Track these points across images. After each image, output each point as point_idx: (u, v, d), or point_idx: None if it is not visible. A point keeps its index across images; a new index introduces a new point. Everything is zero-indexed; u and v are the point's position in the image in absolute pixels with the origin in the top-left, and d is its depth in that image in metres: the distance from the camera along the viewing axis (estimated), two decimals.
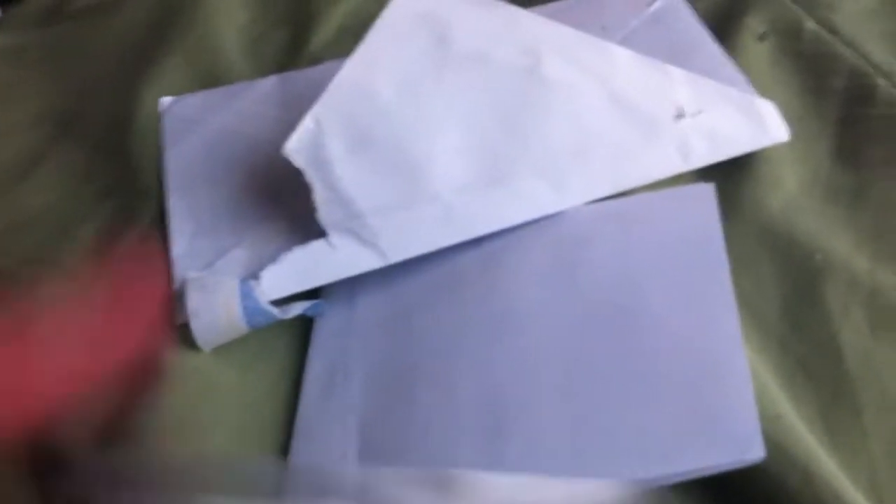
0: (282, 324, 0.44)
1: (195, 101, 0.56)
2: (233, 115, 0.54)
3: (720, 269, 0.41)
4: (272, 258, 0.45)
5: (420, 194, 0.45)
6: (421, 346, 0.42)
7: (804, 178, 0.48)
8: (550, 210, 0.45)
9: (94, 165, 0.53)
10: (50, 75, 0.58)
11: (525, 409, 0.38)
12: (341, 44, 0.56)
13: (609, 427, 0.36)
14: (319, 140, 0.45)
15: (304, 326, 0.45)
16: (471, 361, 0.40)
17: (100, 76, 0.58)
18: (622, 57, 0.49)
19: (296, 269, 0.44)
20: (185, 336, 0.43)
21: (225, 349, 0.44)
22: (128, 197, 0.51)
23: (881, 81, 0.51)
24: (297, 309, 0.44)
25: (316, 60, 0.57)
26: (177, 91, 0.56)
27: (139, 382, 0.38)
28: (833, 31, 0.55)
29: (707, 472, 0.35)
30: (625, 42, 0.53)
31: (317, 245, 0.45)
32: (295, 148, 0.45)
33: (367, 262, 0.44)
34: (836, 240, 0.45)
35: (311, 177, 0.44)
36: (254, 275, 0.44)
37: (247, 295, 0.43)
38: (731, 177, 0.47)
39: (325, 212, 0.44)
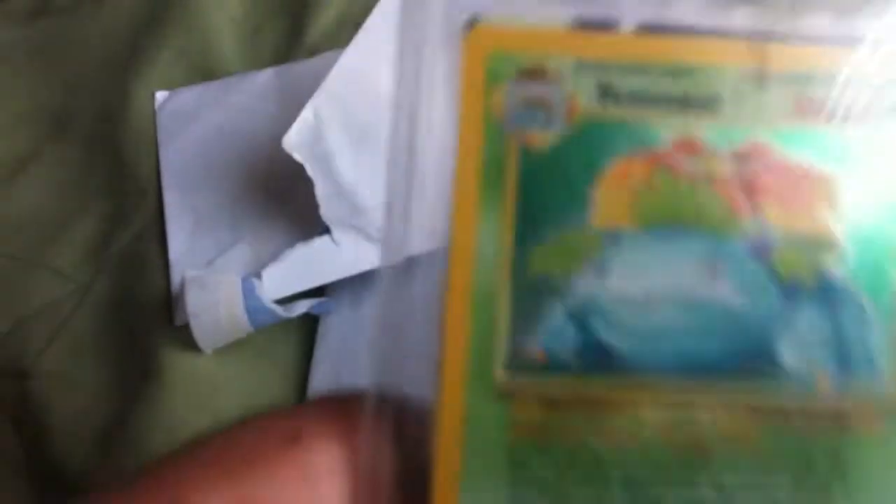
0: (286, 323, 0.43)
1: (190, 96, 0.54)
2: (229, 108, 0.53)
3: None
4: (274, 256, 0.44)
5: None
6: None
7: None
8: None
9: (87, 163, 0.52)
10: (39, 72, 0.57)
11: None
12: (341, 33, 0.55)
13: None
14: (319, 133, 0.44)
15: (309, 326, 0.44)
16: None
17: (90, 71, 0.56)
18: None
19: (299, 268, 0.43)
20: (185, 337, 0.42)
21: (227, 350, 0.42)
22: (123, 194, 0.50)
23: None
24: (302, 307, 0.43)
25: (314, 51, 0.55)
26: (170, 85, 0.55)
27: None
28: None
29: None
30: None
31: (320, 242, 0.43)
32: (294, 141, 0.43)
33: (372, 259, 0.43)
34: None
35: (312, 171, 0.43)
36: (256, 273, 0.43)
37: (249, 294, 0.42)
38: None
39: (327, 207, 0.43)
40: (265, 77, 0.55)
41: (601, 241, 0.17)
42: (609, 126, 0.17)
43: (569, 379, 0.17)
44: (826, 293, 0.17)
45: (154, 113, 0.53)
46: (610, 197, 0.17)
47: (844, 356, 0.17)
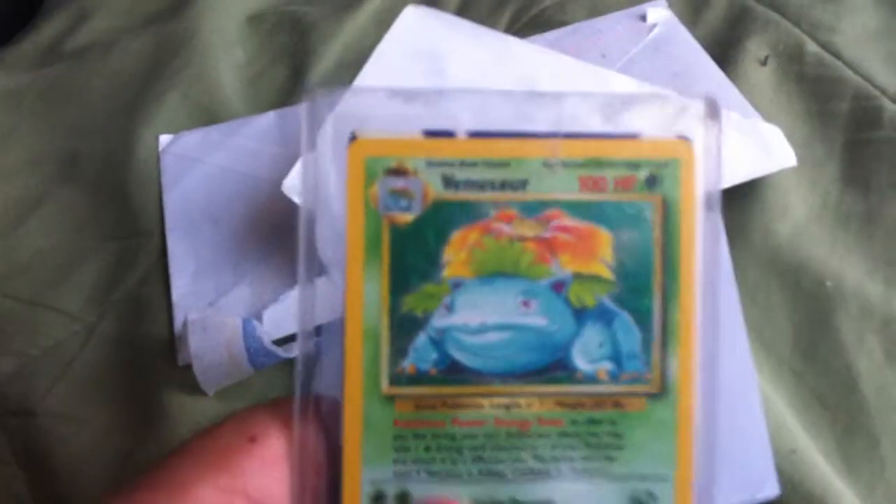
0: (284, 364, 0.44)
1: (194, 139, 0.56)
2: (232, 151, 0.55)
3: (729, 300, 0.41)
4: (274, 297, 0.45)
5: None
6: None
7: (812, 204, 0.49)
8: None
9: (93, 206, 0.54)
10: (46, 117, 0.59)
11: None
12: (340, 78, 0.57)
13: None
14: (318, 176, 0.45)
15: None
16: None
17: (97, 116, 0.59)
18: (622, 84, 0.50)
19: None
20: (189, 378, 0.43)
21: (228, 392, 0.43)
22: (128, 237, 0.51)
23: (887, 104, 0.51)
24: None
25: None
26: (175, 129, 0.56)
27: None
28: (835, 53, 0.55)
29: None
30: (625, 69, 0.54)
31: (319, 283, 0.44)
32: (294, 184, 0.45)
33: None
34: (847, 266, 0.46)
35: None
36: (257, 314, 0.44)
37: (250, 335, 0.43)
38: (737, 204, 0.48)
39: (326, 249, 0.44)
40: (267, 120, 0.57)
41: (450, 288, 0.25)
42: (452, 206, 0.25)
43: (432, 386, 0.25)
44: (603, 314, 0.24)
45: (158, 156, 0.55)
46: (455, 256, 0.25)
47: (617, 357, 0.25)
